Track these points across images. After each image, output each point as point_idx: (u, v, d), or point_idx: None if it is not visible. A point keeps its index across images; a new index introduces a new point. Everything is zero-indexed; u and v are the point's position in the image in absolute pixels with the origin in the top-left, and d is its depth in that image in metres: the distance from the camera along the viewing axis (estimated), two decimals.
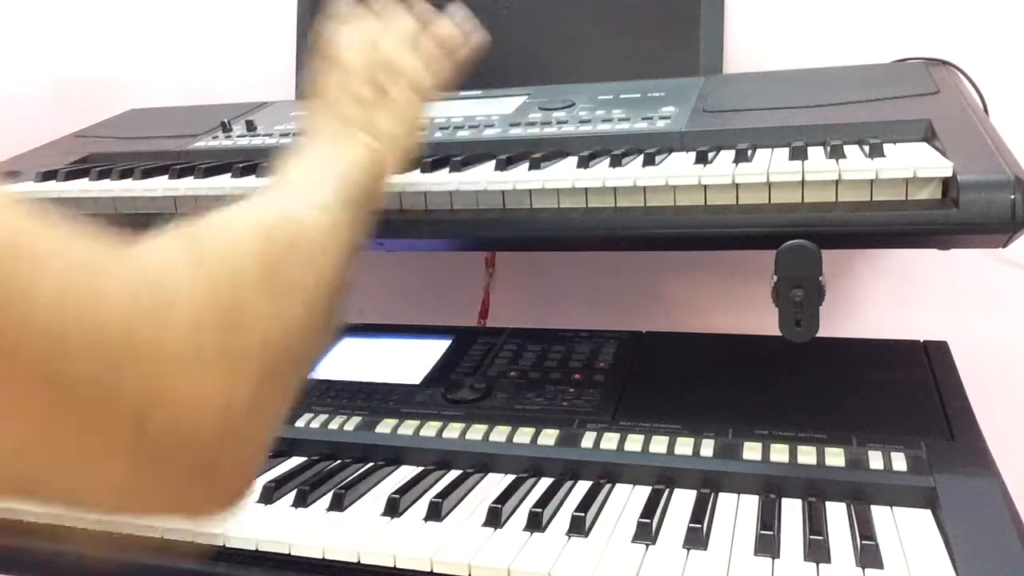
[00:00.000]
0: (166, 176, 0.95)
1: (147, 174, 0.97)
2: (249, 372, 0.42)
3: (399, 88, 0.73)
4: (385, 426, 0.87)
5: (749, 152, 0.79)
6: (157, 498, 0.41)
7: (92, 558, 0.73)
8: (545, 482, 0.77)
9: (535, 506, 0.71)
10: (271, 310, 0.46)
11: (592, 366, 0.95)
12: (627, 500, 0.74)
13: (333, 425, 0.88)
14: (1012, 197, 0.65)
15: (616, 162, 0.80)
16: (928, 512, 0.69)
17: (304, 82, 1.30)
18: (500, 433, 0.83)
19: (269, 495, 0.76)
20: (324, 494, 0.77)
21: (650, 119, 0.93)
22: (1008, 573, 0.60)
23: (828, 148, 0.76)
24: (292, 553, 0.69)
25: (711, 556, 0.65)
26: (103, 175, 0.98)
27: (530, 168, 0.81)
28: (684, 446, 0.78)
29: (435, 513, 0.71)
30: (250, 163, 0.94)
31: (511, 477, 0.79)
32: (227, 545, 0.71)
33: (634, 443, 0.79)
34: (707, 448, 0.77)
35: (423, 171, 0.85)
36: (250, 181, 0.89)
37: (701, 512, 0.70)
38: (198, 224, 0.48)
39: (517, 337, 1.03)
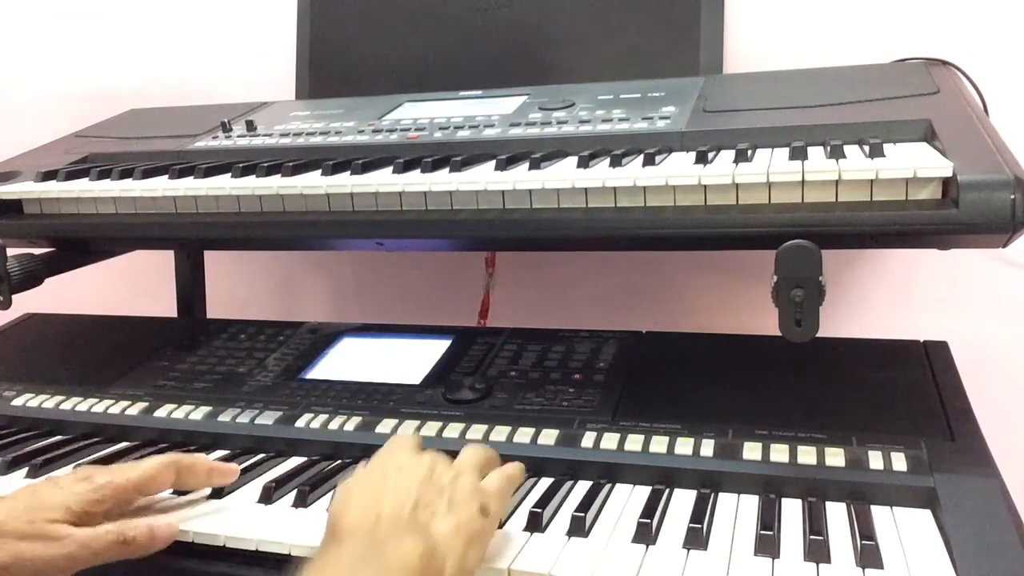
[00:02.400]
0: (166, 176, 0.95)
1: (147, 174, 0.97)
2: None
3: (462, 499, 0.62)
4: (385, 426, 0.86)
5: (749, 152, 0.79)
6: None
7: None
8: (545, 482, 0.77)
9: (535, 506, 0.71)
10: None
11: (592, 366, 0.95)
12: (627, 500, 0.74)
13: (333, 425, 0.88)
14: (1012, 197, 0.65)
15: (616, 162, 0.80)
16: (928, 512, 0.69)
17: (304, 82, 1.31)
18: (500, 433, 0.83)
19: (269, 495, 0.76)
20: (324, 494, 0.77)
21: (650, 119, 0.93)
22: (1008, 573, 0.60)
23: (828, 148, 0.76)
24: (292, 553, 0.69)
25: (711, 556, 0.65)
26: (103, 175, 0.98)
27: (530, 168, 0.81)
28: (684, 446, 0.78)
29: None
30: (250, 163, 0.94)
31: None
32: (227, 545, 0.71)
33: (634, 443, 0.79)
34: (707, 448, 0.77)
35: (423, 171, 0.85)
36: (250, 181, 0.89)
37: (701, 512, 0.70)
38: None
39: (517, 337, 1.03)
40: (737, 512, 0.71)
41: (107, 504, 0.70)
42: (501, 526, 0.70)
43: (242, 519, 0.73)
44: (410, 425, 0.86)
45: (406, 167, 0.86)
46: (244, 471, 0.82)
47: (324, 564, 0.56)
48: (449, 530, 0.59)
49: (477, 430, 0.84)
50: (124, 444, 0.91)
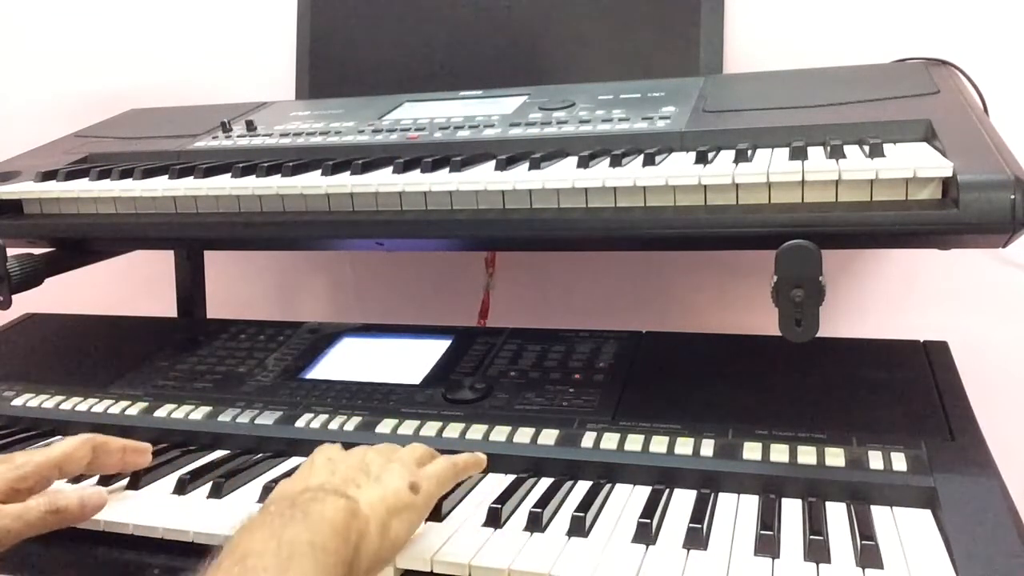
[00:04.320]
0: (166, 176, 0.95)
1: (147, 174, 0.97)
2: None
3: (389, 474, 0.64)
4: (385, 426, 0.86)
5: (749, 152, 0.79)
6: None
7: (91, 557, 0.73)
8: (545, 482, 0.77)
9: (535, 506, 0.71)
10: None
11: (592, 366, 0.95)
12: (627, 500, 0.74)
13: (333, 425, 0.88)
14: (1012, 197, 0.65)
15: (616, 162, 0.80)
16: (928, 512, 0.69)
17: (304, 82, 1.31)
18: (500, 433, 0.83)
19: (268, 495, 0.76)
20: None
21: (650, 119, 0.93)
22: (1008, 573, 0.60)
23: (828, 148, 0.76)
24: None
25: (711, 556, 0.65)
26: (103, 175, 0.98)
27: (530, 168, 0.81)
28: (684, 446, 0.78)
29: (435, 513, 0.71)
30: (250, 163, 0.94)
31: (511, 477, 0.79)
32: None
33: (634, 443, 0.79)
34: (707, 448, 0.77)
35: (423, 171, 0.85)
36: (250, 181, 0.89)
37: (701, 512, 0.70)
38: None
39: (517, 337, 1.03)
40: (737, 512, 0.71)
41: (29, 482, 0.72)
42: (500, 526, 0.70)
43: (242, 519, 0.73)
44: (410, 425, 0.86)
45: (406, 167, 0.86)
46: (244, 471, 0.82)
47: (251, 525, 0.56)
48: (373, 497, 0.61)
49: (477, 430, 0.84)
50: None
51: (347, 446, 0.84)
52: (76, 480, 0.82)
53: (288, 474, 0.80)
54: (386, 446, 0.71)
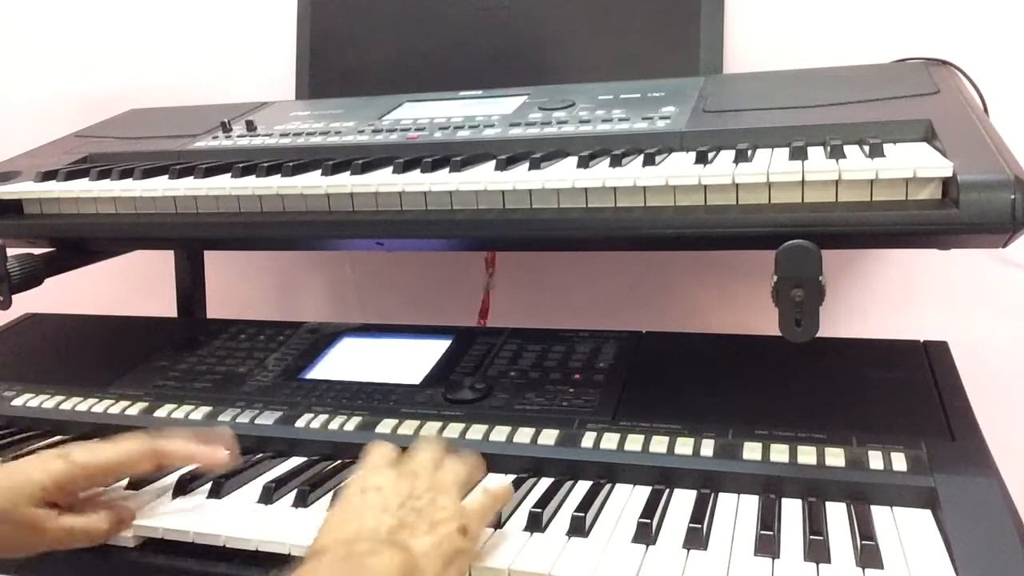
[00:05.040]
0: (166, 176, 0.95)
1: (147, 174, 0.97)
2: None
3: (441, 519, 0.62)
4: (385, 426, 0.86)
5: (749, 152, 0.79)
6: None
7: (92, 557, 0.73)
8: (545, 482, 0.77)
9: (535, 506, 0.71)
10: None
11: (592, 366, 0.95)
12: (627, 500, 0.74)
13: (333, 425, 0.88)
14: (1012, 197, 0.65)
15: (616, 162, 0.80)
16: (928, 512, 0.69)
17: (304, 82, 1.31)
18: (500, 433, 0.83)
19: (269, 495, 0.76)
20: (324, 494, 0.77)
21: (650, 119, 0.93)
22: (1008, 573, 0.60)
23: (828, 148, 0.76)
24: (292, 553, 0.69)
25: (711, 556, 0.65)
26: (103, 175, 0.98)
27: (530, 168, 0.81)
28: (684, 446, 0.78)
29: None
30: (250, 163, 0.94)
31: (511, 477, 0.79)
32: (227, 545, 0.71)
33: (634, 443, 0.79)
34: (707, 448, 0.77)
35: (423, 171, 0.85)
36: (250, 181, 0.89)
37: (701, 512, 0.70)
38: None
39: (517, 337, 1.03)
40: (737, 512, 0.71)
41: (80, 484, 0.72)
42: (500, 527, 0.70)
43: (242, 519, 0.73)
44: (410, 425, 0.86)
45: (406, 167, 0.86)
46: (244, 471, 0.82)
47: None
48: (428, 547, 0.59)
49: (477, 430, 0.84)
50: None
51: (347, 446, 0.85)
52: None
53: (289, 475, 0.80)
54: (427, 463, 0.67)
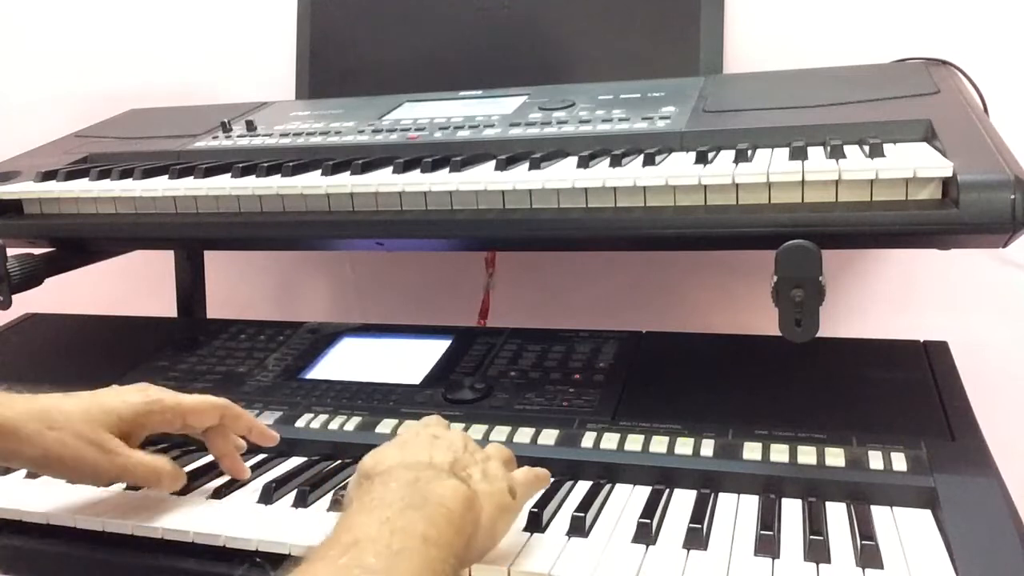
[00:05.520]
0: (166, 176, 0.95)
1: (147, 174, 0.97)
2: None
3: (494, 475, 0.64)
4: (385, 426, 0.86)
5: (749, 152, 0.79)
6: None
7: (92, 557, 0.73)
8: None
9: (535, 506, 0.71)
10: None
11: (592, 366, 0.95)
12: (627, 500, 0.74)
13: (333, 425, 0.88)
14: (1012, 197, 0.65)
15: (616, 162, 0.80)
16: (928, 512, 0.69)
17: (304, 82, 1.31)
18: (500, 433, 0.83)
19: (269, 495, 0.76)
20: (324, 494, 0.77)
21: (650, 119, 0.93)
22: (1008, 573, 0.60)
23: (828, 148, 0.76)
24: (292, 553, 0.69)
25: (711, 556, 0.65)
26: (103, 175, 0.98)
27: (530, 168, 0.81)
28: (684, 446, 0.78)
29: (537, 524, 0.70)
30: (250, 163, 0.94)
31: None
32: (227, 546, 0.71)
33: (634, 443, 0.79)
34: (707, 448, 0.77)
35: (423, 171, 0.85)
36: (250, 181, 0.89)
37: (701, 512, 0.70)
38: None
39: (517, 337, 1.03)
40: (737, 512, 0.71)
41: (154, 418, 0.75)
42: None
43: (242, 519, 0.73)
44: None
45: (406, 167, 0.86)
46: None
47: (363, 506, 0.56)
48: (485, 490, 0.61)
49: (477, 430, 0.84)
50: None
51: (347, 446, 0.85)
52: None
53: (289, 475, 0.80)
54: (472, 443, 0.69)
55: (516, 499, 0.64)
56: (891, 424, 0.78)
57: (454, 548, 0.55)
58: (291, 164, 0.91)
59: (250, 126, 1.11)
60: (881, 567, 0.62)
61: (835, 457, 0.74)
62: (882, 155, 0.73)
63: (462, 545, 0.57)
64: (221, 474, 0.80)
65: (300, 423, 0.89)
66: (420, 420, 0.71)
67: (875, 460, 0.73)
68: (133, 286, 1.55)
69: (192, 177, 0.93)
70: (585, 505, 0.71)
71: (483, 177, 0.81)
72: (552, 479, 0.77)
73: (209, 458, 0.86)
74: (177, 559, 0.72)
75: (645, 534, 0.67)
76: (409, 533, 0.53)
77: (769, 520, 0.67)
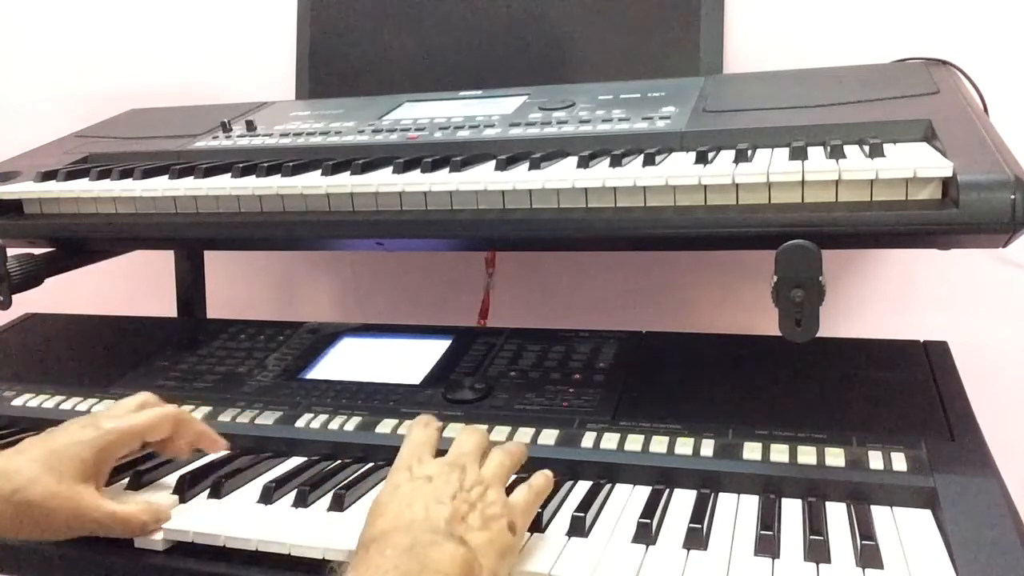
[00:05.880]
0: (166, 176, 0.95)
1: (147, 174, 0.97)
2: None
3: (492, 515, 0.62)
4: (385, 426, 0.86)
5: (749, 152, 0.79)
6: None
7: (91, 557, 0.73)
8: None
9: None
10: None
11: (592, 366, 0.95)
12: (627, 500, 0.74)
13: (333, 425, 0.88)
14: (1012, 197, 0.65)
15: (616, 162, 0.80)
16: (928, 512, 0.69)
17: (304, 82, 1.31)
18: (500, 433, 0.83)
19: (269, 495, 0.76)
20: (324, 494, 0.77)
21: (650, 119, 0.93)
22: (1008, 573, 0.60)
23: (828, 148, 0.76)
24: (292, 553, 0.69)
25: (711, 556, 0.65)
26: (103, 175, 0.98)
27: (530, 168, 0.81)
28: (684, 446, 0.78)
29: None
30: (250, 163, 0.94)
31: (511, 477, 0.79)
32: (227, 545, 0.71)
33: (634, 443, 0.79)
34: (707, 448, 0.77)
35: (423, 171, 0.85)
36: (250, 181, 0.89)
37: (701, 512, 0.70)
38: None
39: (517, 337, 1.03)
40: (737, 512, 0.71)
41: (114, 448, 0.74)
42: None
43: (242, 519, 0.73)
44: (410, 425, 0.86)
45: (406, 167, 0.86)
46: (243, 471, 0.82)
47: (365, 569, 0.55)
48: (484, 542, 0.60)
49: None
50: None
51: (347, 446, 0.85)
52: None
53: (289, 475, 0.80)
54: (473, 453, 0.68)
55: (517, 533, 0.63)
56: (891, 424, 0.78)
57: None
58: (291, 164, 0.91)
59: (250, 126, 1.11)
60: (881, 567, 0.62)
61: (835, 457, 0.74)
62: (882, 155, 0.73)
63: None
64: (221, 475, 0.80)
65: (300, 423, 0.89)
66: (407, 446, 0.69)
67: (875, 460, 0.73)
68: (133, 286, 1.55)
69: (192, 177, 0.93)
70: (585, 505, 0.71)
71: (483, 177, 0.81)
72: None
73: (209, 458, 0.86)
74: (177, 559, 0.72)
75: (645, 534, 0.67)
76: None
77: (769, 520, 0.67)
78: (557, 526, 0.70)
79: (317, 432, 0.88)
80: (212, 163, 0.97)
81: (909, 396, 0.84)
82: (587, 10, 1.19)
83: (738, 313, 1.30)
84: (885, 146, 0.74)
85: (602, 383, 0.91)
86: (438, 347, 1.03)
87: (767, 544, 0.65)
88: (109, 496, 0.73)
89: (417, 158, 0.87)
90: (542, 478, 0.70)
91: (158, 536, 0.72)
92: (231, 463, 0.84)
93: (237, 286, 1.54)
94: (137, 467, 0.82)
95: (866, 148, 0.75)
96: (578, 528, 0.68)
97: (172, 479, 0.81)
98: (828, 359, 0.90)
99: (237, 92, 1.40)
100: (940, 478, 0.70)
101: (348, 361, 1.03)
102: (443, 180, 0.82)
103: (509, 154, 0.85)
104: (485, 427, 0.74)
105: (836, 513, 0.70)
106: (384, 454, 0.84)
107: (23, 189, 0.99)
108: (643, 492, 0.75)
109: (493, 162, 0.84)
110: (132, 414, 0.77)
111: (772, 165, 0.74)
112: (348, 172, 0.88)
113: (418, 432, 0.71)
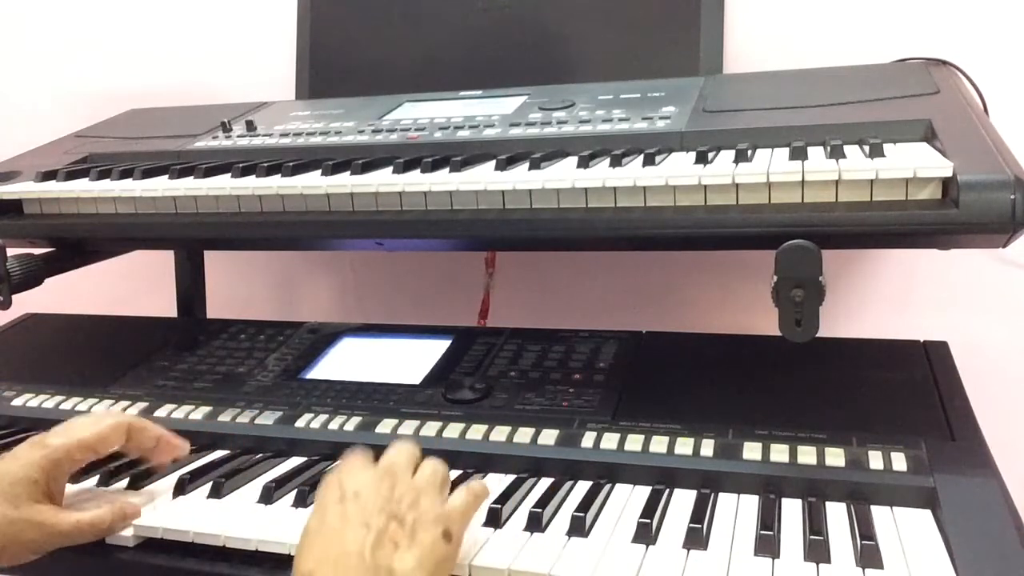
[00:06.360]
0: (166, 176, 0.95)
1: (147, 174, 0.97)
2: None
3: (423, 525, 0.61)
4: (385, 426, 0.86)
5: (749, 152, 0.79)
6: None
7: (91, 558, 0.73)
8: (545, 482, 0.77)
9: (535, 506, 0.71)
10: None
11: (592, 366, 0.95)
12: (627, 500, 0.74)
13: (333, 425, 0.88)
14: (1012, 197, 0.65)
15: (616, 162, 0.80)
16: (928, 512, 0.69)
17: (304, 82, 1.31)
18: (500, 433, 0.83)
19: (269, 495, 0.76)
20: None
21: (650, 119, 0.93)
22: (1008, 573, 0.60)
23: (828, 148, 0.76)
24: (292, 553, 0.69)
25: (711, 556, 0.65)
26: (103, 175, 0.98)
27: (530, 168, 0.81)
28: (684, 446, 0.78)
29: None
30: (250, 163, 0.94)
31: (511, 477, 0.79)
32: (227, 545, 0.71)
33: (634, 443, 0.79)
34: (707, 448, 0.77)
35: (423, 171, 0.85)
36: (250, 181, 0.89)
37: (701, 512, 0.70)
38: None
39: (517, 337, 1.03)
40: (737, 512, 0.71)
41: (64, 465, 0.73)
42: (500, 527, 0.70)
43: (242, 519, 0.73)
44: (410, 425, 0.86)
45: (406, 167, 0.86)
46: (243, 470, 0.82)
47: None
48: (412, 565, 0.58)
49: (477, 430, 0.84)
50: None
51: (347, 446, 0.84)
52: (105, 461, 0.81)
53: (289, 475, 0.80)
54: (404, 463, 0.67)
55: (454, 539, 0.62)
56: (891, 424, 0.78)
57: None
58: (291, 164, 0.91)
59: (250, 126, 1.11)
60: (881, 567, 0.62)
61: (835, 457, 0.74)
62: (882, 155, 0.73)
63: None
64: (221, 474, 0.80)
65: (300, 423, 0.89)
66: (341, 464, 0.67)
67: (875, 460, 0.73)
68: (133, 286, 1.55)
69: (192, 177, 0.93)
70: (585, 505, 0.71)
71: (483, 177, 0.81)
72: (552, 479, 0.77)
73: (209, 458, 0.86)
74: (177, 559, 0.72)
75: (645, 534, 0.67)
76: None
77: (769, 520, 0.67)
78: (557, 526, 0.70)
79: (317, 432, 0.88)
80: (212, 163, 0.97)
81: (909, 396, 0.84)
82: (587, 10, 1.19)
83: (738, 313, 1.30)
84: (885, 146, 0.74)
85: (602, 383, 0.91)
86: (438, 347, 1.03)
87: (767, 544, 0.65)
88: (72, 504, 0.73)
89: (417, 158, 0.87)
90: (479, 484, 0.69)
91: (128, 532, 0.73)
92: (231, 463, 0.84)
93: (237, 286, 1.54)
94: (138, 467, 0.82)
95: (866, 148, 0.75)
96: (578, 528, 0.68)
97: (172, 479, 0.81)
98: (828, 359, 0.90)
99: (237, 92, 1.40)
100: (940, 478, 0.70)
101: (348, 361, 1.03)
102: (443, 180, 0.82)
103: (509, 154, 0.85)
104: (415, 438, 0.75)
105: (836, 513, 0.69)
106: None
107: (23, 189, 0.99)
108: (643, 492, 0.74)
109: (493, 162, 0.84)
110: (80, 427, 0.75)
111: (772, 165, 0.74)
112: (348, 172, 0.88)
113: (351, 454, 0.69)
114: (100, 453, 0.76)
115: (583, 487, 0.76)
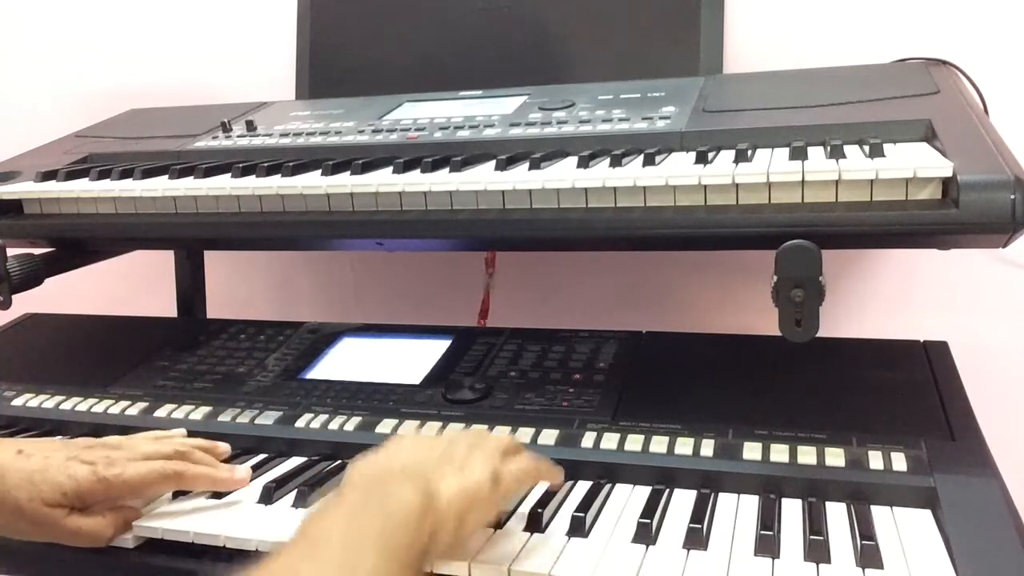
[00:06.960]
0: (166, 176, 0.95)
1: (147, 174, 0.97)
2: None
3: (476, 459, 0.63)
4: (385, 426, 0.86)
5: (749, 152, 0.79)
6: None
7: (91, 558, 0.73)
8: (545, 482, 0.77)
9: (535, 506, 0.71)
10: None
11: (592, 366, 0.95)
12: (627, 500, 0.74)
13: (333, 425, 0.88)
14: (1012, 197, 0.65)
15: (616, 162, 0.80)
16: (928, 512, 0.69)
17: (304, 82, 1.31)
18: (500, 433, 0.83)
19: (269, 495, 0.76)
20: (324, 494, 0.77)
21: (650, 119, 0.93)
22: (1008, 573, 0.60)
23: (828, 148, 0.76)
24: None
25: (711, 556, 0.65)
26: (103, 175, 0.98)
27: (530, 168, 0.81)
28: (684, 446, 0.78)
29: (536, 523, 0.70)
30: (250, 163, 0.94)
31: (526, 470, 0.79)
32: (227, 545, 0.71)
33: (634, 443, 0.79)
34: (707, 448, 0.77)
35: (423, 171, 0.85)
36: (250, 181, 0.89)
37: (701, 512, 0.70)
38: None
39: (517, 337, 1.03)
40: (737, 512, 0.71)
41: (99, 497, 0.72)
42: (501, 527, 0.70)
43: (242, 519, 0.73)
44: (410, 425, 0.86)
45: (406, 167, 0.86)
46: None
47: (327, 508, 0.56)
48: (453, 487, 0.60)
49: None
50: None
51: (347, 446, 0.85)
52: None
53: (289, 474, 0.80)
54: (476, 431, 0.70)
55: (501, 488, 0.63)
56: (891, 424, 0.78)
57: (414, 549, 0.55)
58: (291, 164, 0.91)
59: (250, 126, 1.11)
60: (881, 567, 0.62)
61: (835, 457, 0.74)
62: (882, 155, 0.73)
63: (422, 545, 0.56)
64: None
65: (300, 423, 0.89)
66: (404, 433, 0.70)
67: (875, 460, 0.73)
68: (133, 286, 1.55)
69: (192, 177, 0.93)
70: (585, 505, 0.71)
71: (483, 177, 0.81)
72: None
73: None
74: (177, 559, 0.72)
75: (645, 534, 0.67)
76: (366, 532, 0.53)
77: (769, 520, 0.67)
78: (557, 526, 0.70)
79: (317, 432, 0.88)
80: (212, 163, 0.97)
81: (909, 396, 0.84)
82: (587, 10, 1.19)
83: (738, 313, 1.30)
84: (885, 146, 0.75)
85: (602, 383, 0.91)
86: (438, 347, 1.03)
87: (767, 544, 0.65)
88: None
89: (417, 158, 0.87)
90: (554, 466, 0.71)
91: (129, 535, 0.73)
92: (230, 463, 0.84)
93: (237, 286, 1.54)
94: None
95: (866, 148, 0.75)
96: (578, 528, 0.68)
97: None
98: (828, 359, 0.90)
99: (237, 92, 1.40)
100: (940, 478, 0.70)
101: (348, 361, 1.03)
102: (443, 180, 0.82)
103: (509, 154, 0.85)
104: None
105: (836, 513, 0.70)
106: None
107: (23, 189, 0.99)
108: (643, 492, 0.74)
109: (493, 162, 0.84)
110: (134, 465, 0.73)
111: (772, 165, 0.74)
112: (348, 172, 0.88)
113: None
114: (143, 496, 0.75)
115: (583, 487, 0.76)
